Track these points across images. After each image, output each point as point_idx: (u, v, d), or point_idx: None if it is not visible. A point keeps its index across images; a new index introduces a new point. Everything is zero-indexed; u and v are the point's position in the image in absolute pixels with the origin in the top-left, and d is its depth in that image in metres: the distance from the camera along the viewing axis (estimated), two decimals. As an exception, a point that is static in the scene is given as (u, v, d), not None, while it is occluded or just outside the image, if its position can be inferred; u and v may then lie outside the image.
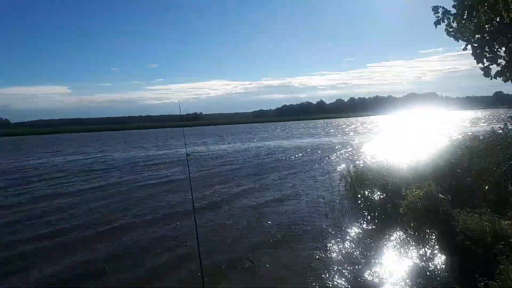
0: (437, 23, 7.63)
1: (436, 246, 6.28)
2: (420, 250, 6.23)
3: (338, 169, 15.12)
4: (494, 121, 45.36)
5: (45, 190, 13.93)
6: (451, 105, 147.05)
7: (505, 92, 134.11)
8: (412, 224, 6.87)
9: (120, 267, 6.22)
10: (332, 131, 53.01)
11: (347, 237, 7.19)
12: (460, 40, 7.73)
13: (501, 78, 7.67)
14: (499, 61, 7.57)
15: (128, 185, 14.13)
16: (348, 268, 5.84)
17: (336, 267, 5.88)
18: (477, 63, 7.67)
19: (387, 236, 7.00)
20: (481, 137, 11.67)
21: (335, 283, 5.38)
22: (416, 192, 6.96)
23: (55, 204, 11.34)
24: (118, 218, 9.27)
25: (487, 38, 7.51)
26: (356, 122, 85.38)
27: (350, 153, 22.89)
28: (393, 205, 8.05)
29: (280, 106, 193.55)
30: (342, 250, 6.59)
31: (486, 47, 7.58)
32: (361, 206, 9.26)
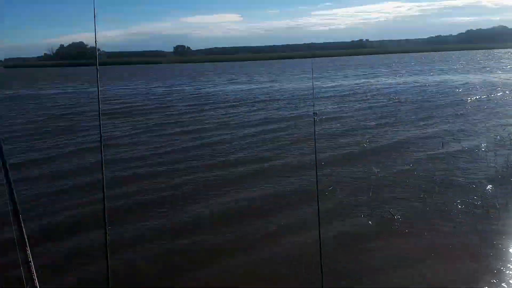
0: None
1: None
2: None
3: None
4: None
5: (213, 119, 15.75)
6: None
7: None
8: None
9: (271, 209, 6.58)
10: (535, 65, 43.67)
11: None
12: None
13: None
14: None
15: (294, 121, 14.52)
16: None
17: (493, 240, 5.06)
18: None
19: None
20: None
21: (490, 259, 4.63)
22: None
23: (222, 134, 12.66)
24: (275, 156, 9.73)
25: None
26: None
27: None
28: None
29: (463, 31, 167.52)
30: (504, 222, 5.64)
31: None
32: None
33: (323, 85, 28.38)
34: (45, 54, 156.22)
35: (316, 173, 2.80)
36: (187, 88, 31.71)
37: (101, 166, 2.75)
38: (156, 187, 7.78)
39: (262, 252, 5.17)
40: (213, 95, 25.45)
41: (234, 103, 20.63)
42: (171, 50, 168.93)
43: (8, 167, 1.82)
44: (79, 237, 5.71)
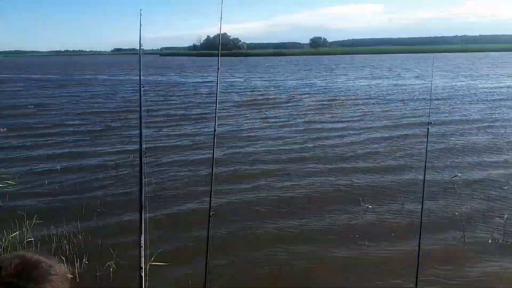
0: None
1: None
2: None
3: None
4: None
5: (339, 117, 15.45)
6: None
7: None
8: None
9: (387, 230, 6.23)
10: None
11: None
12: None
13: None
14: None
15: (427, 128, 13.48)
16: None
17: None
18: None
19: None
20: None
21: None
22: None
23: (345, 135, 12.36)
24: (399, 167, 9.02)
25: None
26: None
27: None
28: None
29: None
30: None
31: None
32: None
33: (478, 85, 25.43)
34: (194, 44, 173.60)
35: (423, 196, 2.60)
36: (319, 81, 31.71)
37: (212, 165, 3.04)
38: (268, 185, 7.80)
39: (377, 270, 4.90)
40: (345, 90, 24.95)
41: (366, 100, 19.91)
42: (307, 42, 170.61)
43: (144, 180, 2.19)
44: (193, 231, 5.83)
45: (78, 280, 4.60)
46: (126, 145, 11.38)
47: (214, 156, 3.05)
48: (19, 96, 24.45)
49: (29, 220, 5.84)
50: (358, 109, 17.24)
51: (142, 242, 2.00)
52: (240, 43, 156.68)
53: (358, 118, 15.11)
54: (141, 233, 2.05)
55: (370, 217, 6.35)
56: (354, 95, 22.12)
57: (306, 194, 7.36)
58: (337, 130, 13.02)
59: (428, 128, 2.49)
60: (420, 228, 2.54)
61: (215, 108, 3.16)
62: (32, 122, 15.08)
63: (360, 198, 6.99)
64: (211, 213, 2.74)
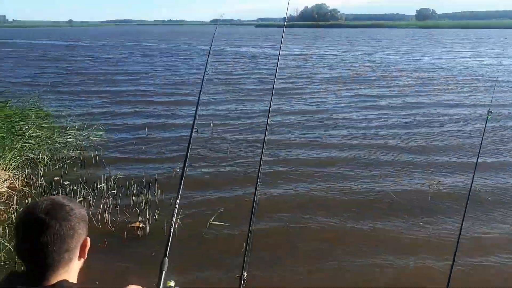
0: None
1: None
2: None
3: None
4: None
5: (439, 97, 14.45)
6: None
7: None
8: None
9: None
10: None
11: None
12: None
13: None
14: None
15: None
16: None
17: None
18: None
19: None
20: None
21: None
22: None
23: (441, 123, 11.62)
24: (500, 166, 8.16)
25: None
26: None
27: None
28: None
29: None
30: None
31: None
32: None
33: None
34: (290, 15, 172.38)
35: (468, 200, 2.42)
36: (423, 57, 29.68)
37: (262, 147, 3.16)
38: (339, 174, 7.28)
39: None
40: (450, 68, 23.04)
41: (473, 81, 18.26)
42: (413, 13, 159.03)
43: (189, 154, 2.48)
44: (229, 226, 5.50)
45: (148, 230, 5.28)
46: (208, 117, 11.78)
47: (266, 137, 3.18)
48: (123, 63, 26.88)
49: (114, 175, 6.74)
50: (461, 92, 15.78)
51: (178, 202, 2.28)
52: (338, 14, 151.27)
53: (457, 103, 13.76)
54: (178, 196, 2.33)
55: (449, 224, 5.53)
56: (460, 75, 20.34)
57: (383, 189, 6.58)
58: (431, 116, 11.96)
59: (487, 117, 2.16)
60: (459, 238, 2.40)
61: (277, 83, 3.27)
62: (132, 90, 16.45)
63: (451, 201, 6.16)
64: (257, 186, 2.91)
